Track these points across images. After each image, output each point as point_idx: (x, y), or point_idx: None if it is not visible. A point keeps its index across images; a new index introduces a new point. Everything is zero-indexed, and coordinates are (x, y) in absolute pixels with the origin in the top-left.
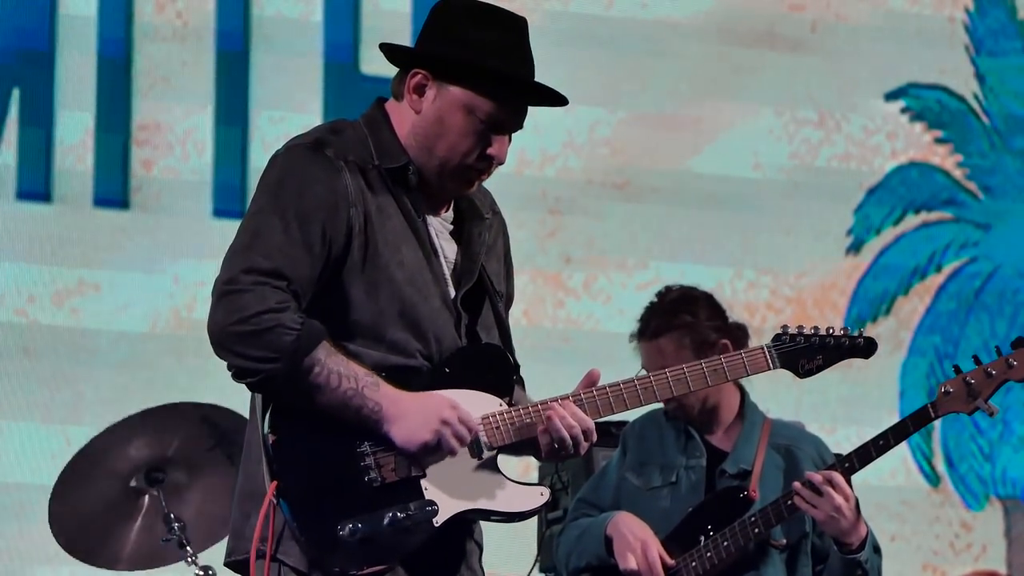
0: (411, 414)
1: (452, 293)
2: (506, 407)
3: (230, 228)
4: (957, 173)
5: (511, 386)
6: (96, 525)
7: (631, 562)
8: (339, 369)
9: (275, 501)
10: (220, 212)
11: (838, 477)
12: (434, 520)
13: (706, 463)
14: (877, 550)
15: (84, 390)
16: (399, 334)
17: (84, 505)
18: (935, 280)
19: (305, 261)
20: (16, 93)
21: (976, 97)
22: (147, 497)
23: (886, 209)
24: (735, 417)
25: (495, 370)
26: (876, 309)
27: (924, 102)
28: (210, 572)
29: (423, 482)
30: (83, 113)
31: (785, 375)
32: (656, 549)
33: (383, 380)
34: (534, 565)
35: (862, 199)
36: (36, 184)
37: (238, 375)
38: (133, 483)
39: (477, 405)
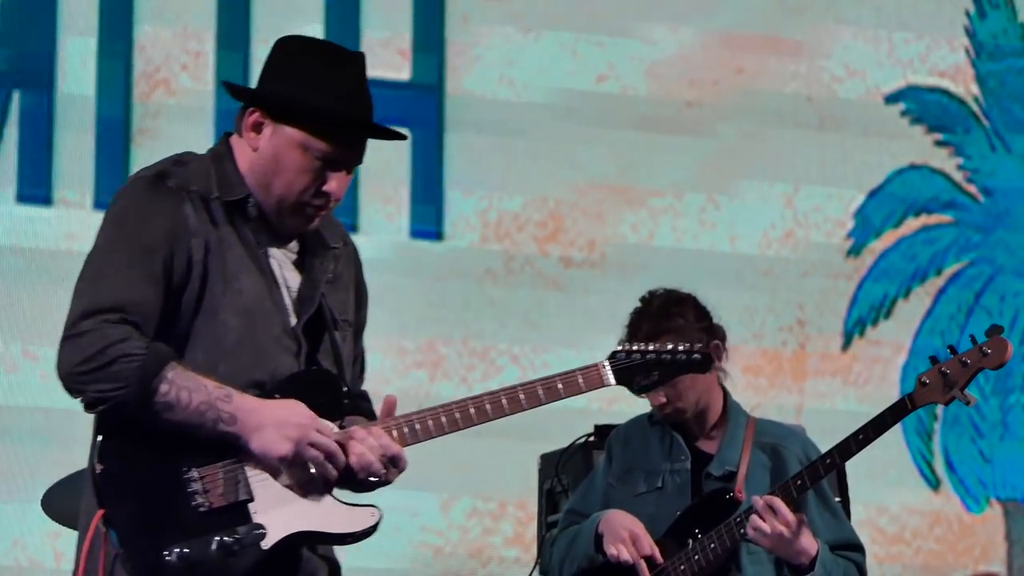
0: (270, 425)
1: (293, 322)
2: (337, 430)
3: None
4: (957, 176)
5: (342, 410)
6: None
7: (623, 553)
8: (189, 385)
9: (104, 530)
10: None
11: (777, 502)
12: (262, 544)
13: (691, 466)
14: (849, 550)
15: None
16: (233, 364)
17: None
18: (935, 283)
19: (148, 293)
20: None
21: (976, 100)
22: None
23: (886, 212)
24: (719, 418)
25: (325, 394)
26: (876, 312)
27: (924, 105)
28: None
29: (251, 506)
30: None
31: (793, 381)
32: (647, 541)
33: (235, 391)
34: (534, 568)
35: (862, 202)
36: None
37: (90, 406)
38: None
39: None
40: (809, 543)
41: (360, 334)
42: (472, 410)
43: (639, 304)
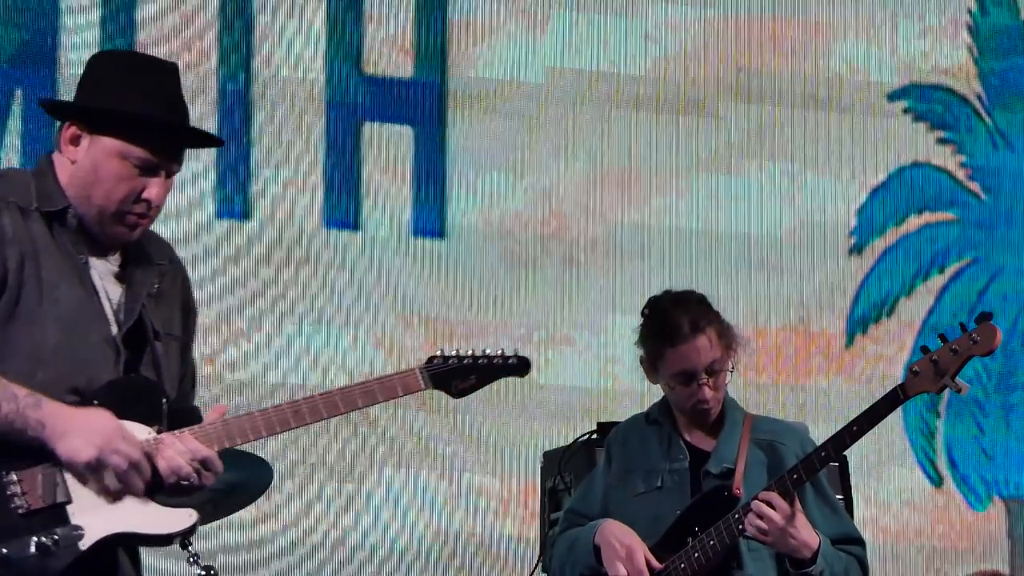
0: (75, 431)
1: (114, 331)
2: (155, 434)
3: None
4: (960, 174)
5: (161, 417)
6: None
7: (620, 569)
8: None
9: None
10: None
11: (774, 497)
12: (80, 544)
13: (689, 464)
14: (852, 544)
15: None
16: (51, 371)
17: None
18: (938, 281)
19: None
20: None
21: (979, 98)
22: None
23: (889, 210)
24: (716, 416)
25: (144, 400)
26: (879, 310)
27: (927, 102)
28: (212, 572)
29: (69, 508)
30: None
31: (796, 380)
32: (642, 554)
33: (45, 399)
34: (536, 565)
35: (864, 200)
36: None
37: None
38: None
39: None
40: (810, 536)
41: (188, 350)
42: (289, 413)
43: (668, 305)
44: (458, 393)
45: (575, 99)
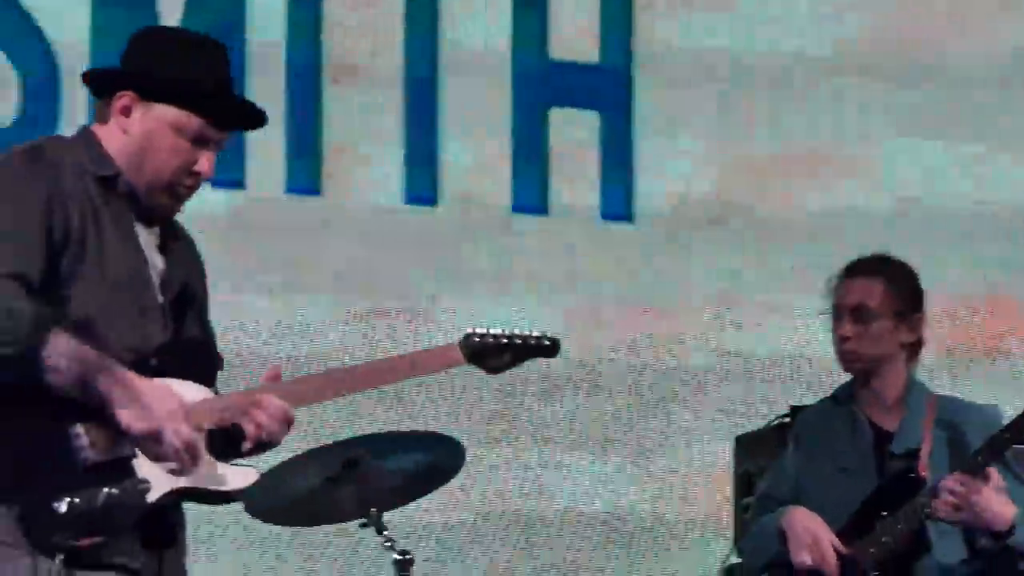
0: (138, 403)
1: (160, 299)
2: (212, 394)
3: None
4: None
5: (214, 376)
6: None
7: (804, 556)
8: (69, 353)
9: None
10: None
11: (965, 478)
12: (147, 497)
13: (874, 444)
14: None
15: None
16: (110, 330)
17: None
18: None
19: (30, 258)
20: None
21: None
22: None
23: None
24: (900, 395)
25: (199, 362)
26: None
27: None
28: (408, 556)
29: (134, 461)
30: None
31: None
32: (828, 541)
33: (115, 364)
34: (732, 549)
35: None
36: None
37: None
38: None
39: (186, 391)
40: (1005, 507)
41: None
42: (344, 375)
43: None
44: (492, 370)
45: (764, 76)
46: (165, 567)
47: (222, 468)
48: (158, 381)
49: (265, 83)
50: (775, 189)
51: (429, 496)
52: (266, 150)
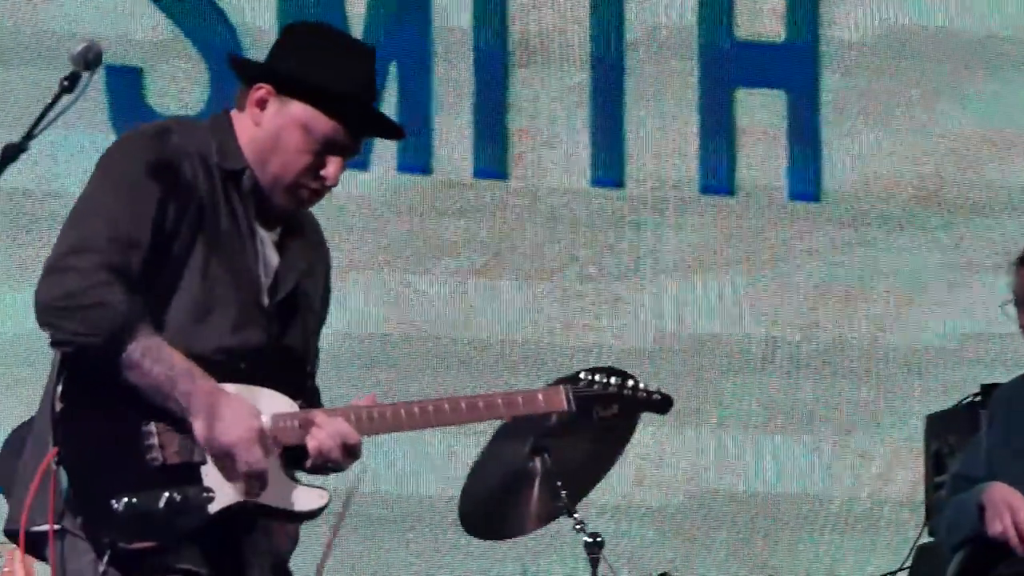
0: (216, 418)
1: (267, 300)
2: (297, 408)
3: None
4: None
5: (303, 389)
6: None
7: (1000, 527)
8: (153, 354)
9: (55, 469)
10: None
11: None
12: (209, 507)
13: None
14: None
15: None
16: (209, 326)
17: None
18: None
19: (134, 244)
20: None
21: None
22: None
23: None
24: None
25: (289, 372)
26: None
27: None
28: (599, 539)
29: (203, 468)
30: None
31: None
32: None
33: (199, 373)
34: (922, 529)
35: None
36: None
37: (55, 344)
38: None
39: (270, 402)
40: None
41: (319, 331)
42: (431, 409)
43: None
44: (599, 420)
45: (952, 58)
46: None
47: (293, 487)
48: (242, 396)
49: (452, 67)
50: (964, 169)
51: (624, 477)
52: (454, 134)
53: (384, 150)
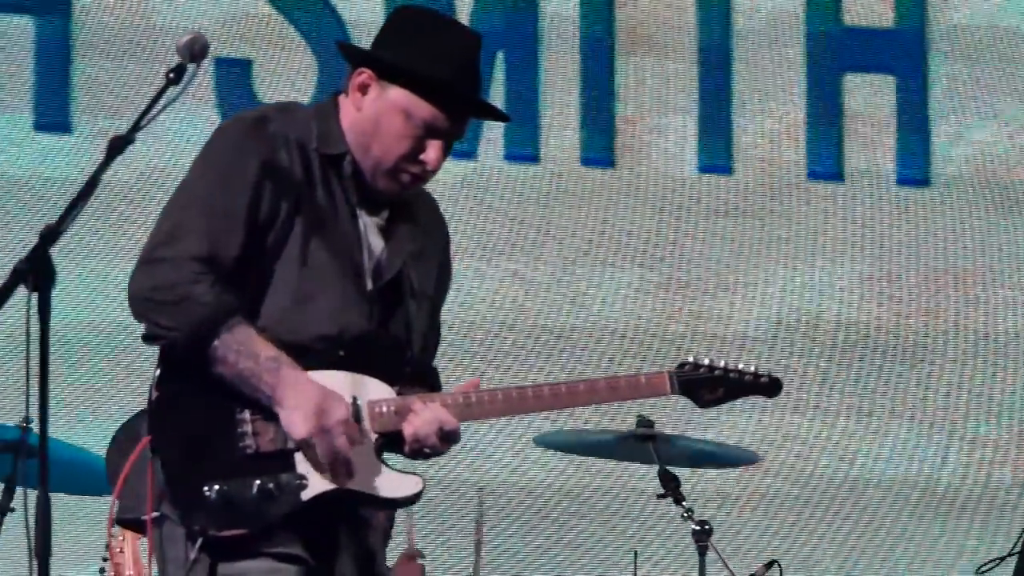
0: (300, 407)
1: (370, 286)
2: (394, 395)
3: None
4: None
5: (402, 375)
6: None
7: None
8: (239, 347)
9: (149, 457)
10: None
11: None
12: (302, 494)
13: None
14: None
15: None
16: (308, 314)
17: None
18: None
19: (228, 233)
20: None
21: None
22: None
23: None
24: None
25: (388, 359)
26: None
27: None
28: (707, 527)
29: (297, 455)
30: None
31: None
32: None
33: (286, 363)
34: None
35: None
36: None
37: (146, 339)
38: None
39: (367, 389)
40: None
41: (437, 310)
42: (530, 393)
43: None
44: (704, 404)
45: None
46: (340, 560)
47: (387, 473)
48: (328, 384)
49: (559, 57)
50: None
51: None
52: (561, 123)
53: (493, 137)
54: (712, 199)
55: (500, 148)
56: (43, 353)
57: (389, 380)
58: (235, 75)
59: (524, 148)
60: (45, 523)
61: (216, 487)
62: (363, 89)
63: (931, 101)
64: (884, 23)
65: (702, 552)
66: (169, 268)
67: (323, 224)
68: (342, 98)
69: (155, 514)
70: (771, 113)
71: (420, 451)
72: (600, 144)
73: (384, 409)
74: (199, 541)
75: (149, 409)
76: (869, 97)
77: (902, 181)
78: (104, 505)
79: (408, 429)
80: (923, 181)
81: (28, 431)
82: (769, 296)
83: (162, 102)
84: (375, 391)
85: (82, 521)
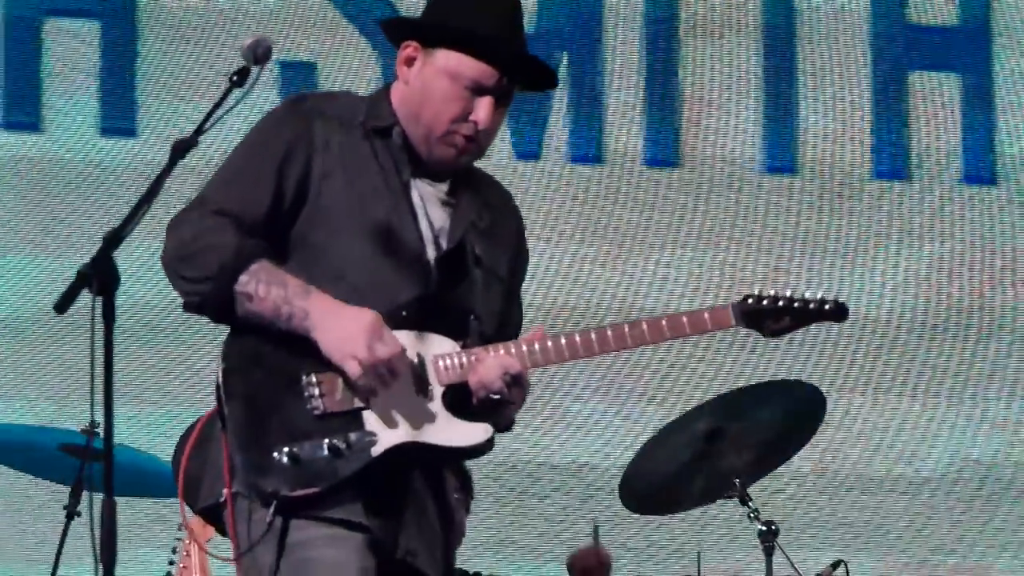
0: (336, 326)
1: (430, 254)
2: (459, 348)
3: None
4: None
5: (466, 330)
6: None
7: None
8: (269, 279)
9: (219, 428)
10: None
11: None
12: (372, 450)
13: None
14: None
15: None
16: (360, 279)
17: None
18: None
19: (254, 191)
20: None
21: None
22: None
23: None
24: None
25: (451, 315)
26: None
27: None
28: (773, 527)
29: (365, 413)
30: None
31: None
32: None
33: (316, 290)
34: None
35: None
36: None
37: (185, 307)
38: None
39: (431, 345)
40: None
41: (515, 296)
42: (594, 337)
43: None
44: (770, 333)
45: None
46: (406, 531)
47: (454, 423)
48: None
49: (622, 59)
50: None
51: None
52: (625, 124)
53: (556, 141)
54: (777, 198)
55: (565, 150)
56: (107, 357)
57: (453, 336)
58: (299, 77)
59: (589, 149)
60: (110, 528)
61: (286, 450)
62: (409, 62)
63: (996, 98)
64: (948, 20)
65: (768, 552)
66: (192, 223)
67: (368, 197)
68: (392, 84)
69: (232, 491)
70: (836, 112)
71: (488, 400)
72: (664, 144)
73: (448, 362)
74: (273, 504)
75: (217, 383)
76: (934, 95)
77: (968, 178)
78: (167, 508)
79: (473, 378)
80: (988, 178)
81: (95, 435)
82: (839, 291)
83: (226, 105)
84: (439, 346)
85: (148, 526)
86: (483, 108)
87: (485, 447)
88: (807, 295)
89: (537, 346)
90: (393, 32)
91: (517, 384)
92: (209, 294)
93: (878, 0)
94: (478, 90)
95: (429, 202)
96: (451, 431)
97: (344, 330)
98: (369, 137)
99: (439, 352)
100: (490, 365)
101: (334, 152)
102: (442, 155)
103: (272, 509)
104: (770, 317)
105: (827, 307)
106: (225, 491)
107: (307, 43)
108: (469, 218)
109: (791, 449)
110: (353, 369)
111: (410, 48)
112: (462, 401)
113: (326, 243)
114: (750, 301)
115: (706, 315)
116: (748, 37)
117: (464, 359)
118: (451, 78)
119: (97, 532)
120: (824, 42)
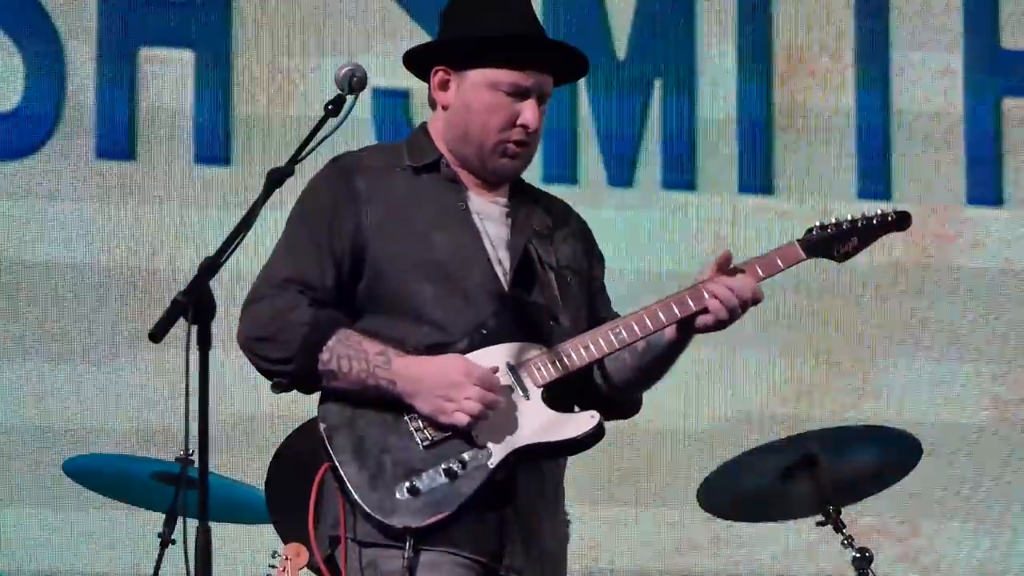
0: (423, 390)
1: (498, 269)
2: (545, 349)
3: None
4: None
5: (548, 331)
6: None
7: None
8: (348, 353)
9: (336, 485)
10: None
11: None
12: (488, 463)
13: None
14: None
15: None
16: (438, 313)
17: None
18: None
19: (314, 261)
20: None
21: None
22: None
23: None
24: None
25: (529, 320)
26: None
27: None
28: (868, 555)
29: (473, 432)
30: None
31: None
32: None
33: (395, 354)
34: None
35: None
36: None
37: (273, 388)
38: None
39: (518, 352)
40: None
41: (603, 292)
42: (673, 303)
43: None
44: (841, 257)
45: None
46: (523, 554)
47: (561, 418)
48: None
49: (714, 95)
50: None
51: None
52: (718, 152)
53: (650, 172)
54: None
55: (658, 179)
56: (202, 385)
57: (536, 339)
58: (394, 105)
59: (682, 176)
60: (205, 555)
61: (407, 484)
62: (443, 86)
63: None
64: None
65: None
66: (265, 304)
67: (426, 231)
68: (429, 120)
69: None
70: (927, 138)
71: (718, 323)
72: (758, 172)
73: (539, 364)
74: (409, 541)
75: (322, 442)
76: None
77: None
78: (259, 534)
79: (712, 303)
80: None
81: (190, 463)
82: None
83: (321, 134)
84: (526, 352)
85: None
86: (529, 110)
87: (597, 434)
88: (867, 212)
89: (620, 325)
90: (419, 62)
91: (756, 301)
92: (295, 375)
93: (971, 24)
94: (518, 93)
95: (489, 219)
96: (560, 426)
97: (436, 391)
98: (416, 176)
99: (527, 357)
100: (725, 296)
101: (381, 200)
102: (497, 166)
103: (409, 544)
104: (837, 241)
105: (890, 218)
106: (342, 532)
107: (402, 70)
108: (531, 225)
109: (876, 489)
110: (461, 421)
111: (441, 72)
112: (562, 398)
113: (397, 289)
114: (814, 232)
115: (776, 257)
116: (841, 75)
117: (552, 355)
118: (490, 88)
119: (192, 558)
120: (913, 76)
